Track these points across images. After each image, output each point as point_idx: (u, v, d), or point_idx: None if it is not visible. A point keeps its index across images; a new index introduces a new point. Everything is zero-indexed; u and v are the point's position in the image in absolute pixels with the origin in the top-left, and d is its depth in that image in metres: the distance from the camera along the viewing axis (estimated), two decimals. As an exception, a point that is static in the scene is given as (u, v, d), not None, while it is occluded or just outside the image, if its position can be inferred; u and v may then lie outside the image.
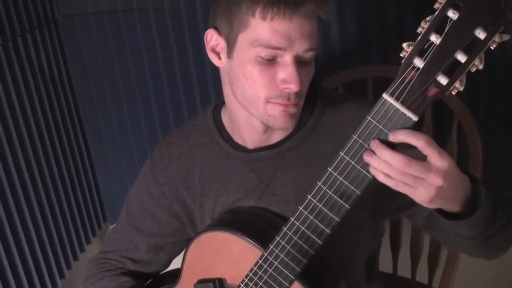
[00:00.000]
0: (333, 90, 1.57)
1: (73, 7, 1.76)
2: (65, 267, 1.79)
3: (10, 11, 1.58)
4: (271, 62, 1.03)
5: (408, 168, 0.88)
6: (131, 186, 1.34)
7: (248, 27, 1.02)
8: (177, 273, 1.23)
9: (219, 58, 1.10)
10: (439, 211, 0.99)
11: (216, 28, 1.08)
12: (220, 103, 1.23)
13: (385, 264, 1.59)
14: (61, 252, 1.77)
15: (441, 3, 0.83)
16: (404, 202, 1.10)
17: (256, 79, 1.04)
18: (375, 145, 0.91)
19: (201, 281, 1.15)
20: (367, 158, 0.91)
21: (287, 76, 1.02)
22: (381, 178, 0.91)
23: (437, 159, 0.89)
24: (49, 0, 1.75)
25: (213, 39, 1.09)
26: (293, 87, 1.02)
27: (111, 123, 1.86)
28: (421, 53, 0.86)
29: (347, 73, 1.64)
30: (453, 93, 0.87)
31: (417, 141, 0.89)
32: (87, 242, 1.92)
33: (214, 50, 1.10)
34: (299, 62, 1.03)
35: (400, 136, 0.89)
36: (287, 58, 1.02)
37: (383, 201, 1.13)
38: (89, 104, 1.86)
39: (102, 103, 1.84)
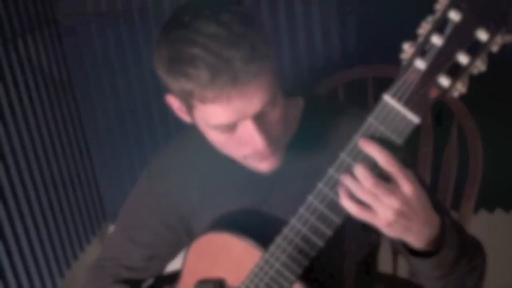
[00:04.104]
0: (333, 99, 1.55)
1: (73, 7, 1.76)
2: (65, 267, 1.79)
3: (10, 11, 1.58)
4: (233, 128, 0.99)
5: (375, 188, 0.88)
6: (131, 186, 1.34)
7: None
8: (177, 274, 1.23)
9: (187, 116, 1.07)
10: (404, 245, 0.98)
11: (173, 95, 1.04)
12: None
13: (385, 264, 1.59)
14: (61, 252, 1.77)
15: (442, 3, 0.83)
16: None
17: (223, 145, 1.04)
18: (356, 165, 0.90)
19: (201, 282, 1.15)
20: (343, 177, 0.91)
21: (249, 139, 1.00)
22: (345, 202, 0.91)
23: (404, 183, 0.88)
24: (49, 0, 1.75)
25: (175, 103, 1.06)
26: (259, 146, 1.00)
27: (111, 123, 1.86)
28: (422, 54, 0.85)
29: (347, 73, 1.64)
30: (456, 95, 0.87)
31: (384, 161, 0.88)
32: (87, 242, 1.92)
33: (180, 110, 1.07)
34: (260, 116, 0.99)
35: (369, 148, 0.89)
36: (245, 122, 0.98)
37: None
38: (89, 104, 1.86)
39: (102, 103, 1.84)
